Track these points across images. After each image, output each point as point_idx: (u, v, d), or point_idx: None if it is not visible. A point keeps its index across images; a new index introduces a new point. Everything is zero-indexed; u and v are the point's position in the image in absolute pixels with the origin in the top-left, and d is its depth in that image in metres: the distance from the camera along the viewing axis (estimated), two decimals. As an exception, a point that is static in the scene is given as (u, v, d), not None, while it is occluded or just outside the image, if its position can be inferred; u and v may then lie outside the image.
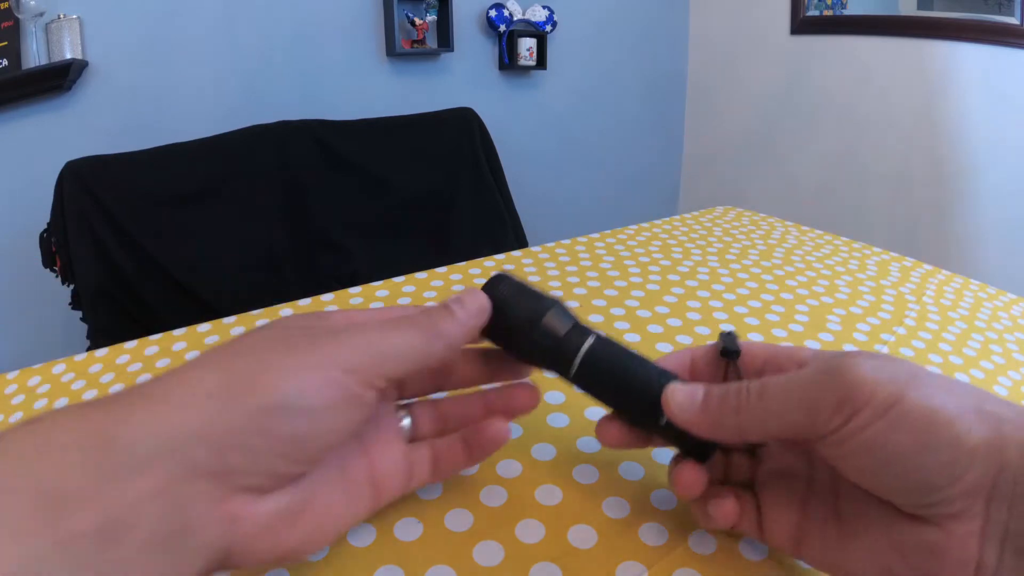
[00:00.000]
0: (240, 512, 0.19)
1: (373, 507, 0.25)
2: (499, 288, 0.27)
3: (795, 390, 0.22)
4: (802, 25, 2.08)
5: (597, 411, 0.32)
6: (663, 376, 0.25)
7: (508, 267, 0.56)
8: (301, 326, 0.22)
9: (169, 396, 0.19)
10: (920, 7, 1.79)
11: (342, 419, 0.21)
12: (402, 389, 0.28)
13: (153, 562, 0.17)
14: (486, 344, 0.28)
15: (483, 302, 0.25)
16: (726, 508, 0.25)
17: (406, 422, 0.27)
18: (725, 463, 0.27)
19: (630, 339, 0.44)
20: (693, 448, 0.25)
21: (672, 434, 0.25)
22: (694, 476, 0.25)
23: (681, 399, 0.24)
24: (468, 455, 0.27)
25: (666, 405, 0.24)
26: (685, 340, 0.44)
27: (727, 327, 0.46)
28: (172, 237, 1.36)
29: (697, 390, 0.24)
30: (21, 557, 0.15)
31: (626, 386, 0.25)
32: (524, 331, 0.26)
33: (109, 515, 0.16)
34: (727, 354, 0.26)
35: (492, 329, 0.26)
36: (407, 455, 0.26)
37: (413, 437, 0.27)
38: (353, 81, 1.80)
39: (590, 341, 0.26)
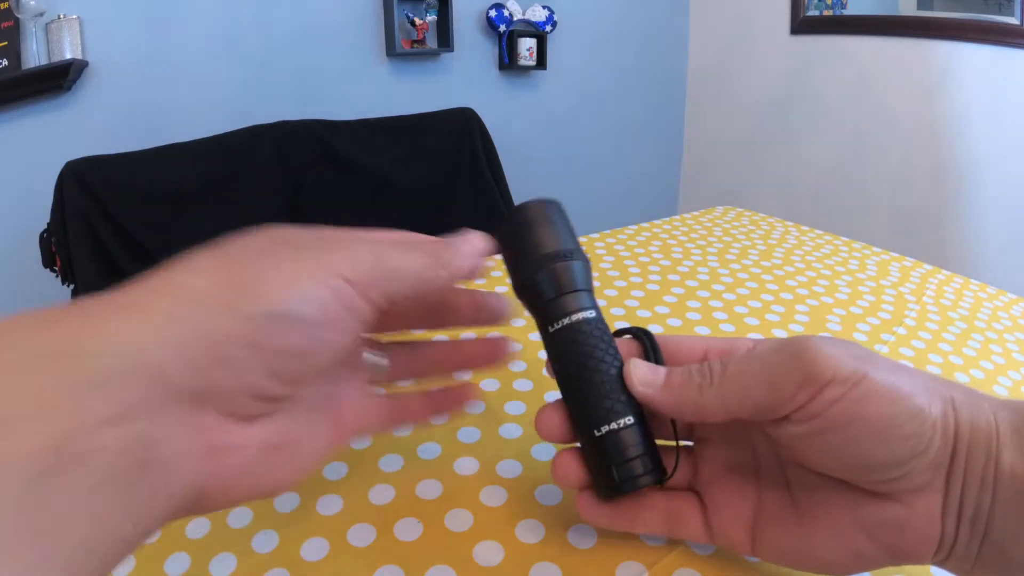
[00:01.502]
0: (221, 443, 0.17)
1: (333, 447, 0.23)
2: (533, 211, 0.25)
3: (756, 366, 0.21)
4: (802, 25, 2.08)
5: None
6: (629, 394, 0.23)
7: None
8: (297, 233, 0.20)
9: (152, 303, 0.16)
10: (920, 7, 1.78)
11: (339, 334, 0.19)
12: (383, 321, 0.24)
13: (107, 503, 0.14)
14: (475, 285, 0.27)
15: (488, 243, 0.24)
16: (562, 467, 0.24)
17: (384, 362, 0.25)
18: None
19: (630, 339, 0.44)
20: (605, 478, 0.23)
21: (602, 452, 0.23)
22: (568, 464, 0.24)
23: (644, 373, 0.23)
24: (431, 411, 0.27)
25: (628, 378, 0.23)
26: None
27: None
28: (172, 237, 1.36)
29: (660, 369, 0.24)
30: None
31: (593, 378, 0.23)
32: (530, 264, 0.24)
33: (58, 440, 0.13)
34: (636, 334, 0.25)
35: (505, 246, 0.25)
36: (370, 397, 0.25)
37: (383, 379, 0.26)
38: (353, 81, 1.80)
39: (588, 314, 0.24)
